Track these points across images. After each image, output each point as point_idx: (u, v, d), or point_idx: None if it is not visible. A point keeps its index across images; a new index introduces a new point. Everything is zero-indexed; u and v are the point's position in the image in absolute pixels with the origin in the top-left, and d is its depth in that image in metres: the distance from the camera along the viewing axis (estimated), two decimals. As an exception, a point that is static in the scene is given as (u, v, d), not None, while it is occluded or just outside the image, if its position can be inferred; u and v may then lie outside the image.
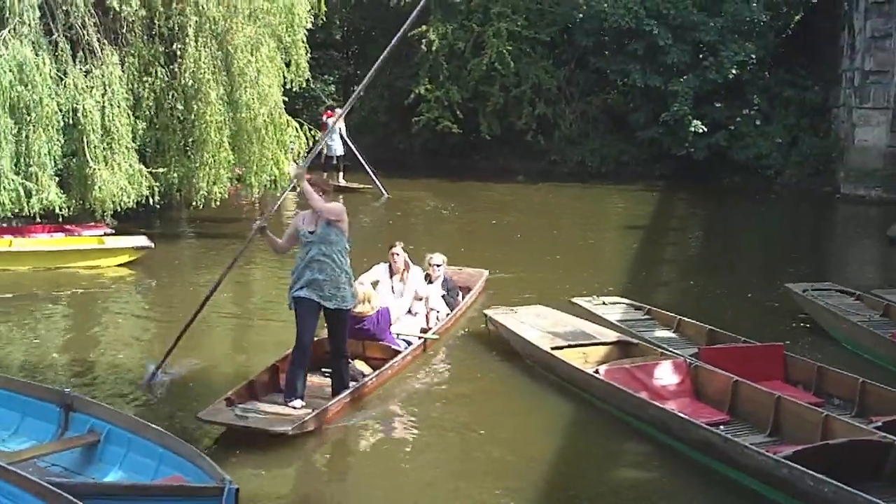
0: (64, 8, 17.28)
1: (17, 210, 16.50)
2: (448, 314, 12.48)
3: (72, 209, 17.34)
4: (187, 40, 18.03)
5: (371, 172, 26.18)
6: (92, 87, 17.17)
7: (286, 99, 20.40)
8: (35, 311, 13.74)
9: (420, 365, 11.21)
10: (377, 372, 10.18)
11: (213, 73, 18.19)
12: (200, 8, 17.96)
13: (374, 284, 11.75)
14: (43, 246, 16.63)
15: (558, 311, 12.47)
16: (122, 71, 17.74)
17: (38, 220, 17.22)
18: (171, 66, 18.44)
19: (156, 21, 18.12)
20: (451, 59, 32.38)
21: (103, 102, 17.17)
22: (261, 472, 8.19)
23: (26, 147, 16.34)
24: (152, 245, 16.60)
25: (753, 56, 30.60)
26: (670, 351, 10.76)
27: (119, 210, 17.44)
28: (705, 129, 30.13)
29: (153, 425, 7.64)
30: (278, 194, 20.23)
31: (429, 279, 12.69)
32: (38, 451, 7.65)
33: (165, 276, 16.18)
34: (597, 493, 8.31)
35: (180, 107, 18.47)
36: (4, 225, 17.54)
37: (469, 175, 30.48)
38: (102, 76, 17.31)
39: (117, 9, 17.43)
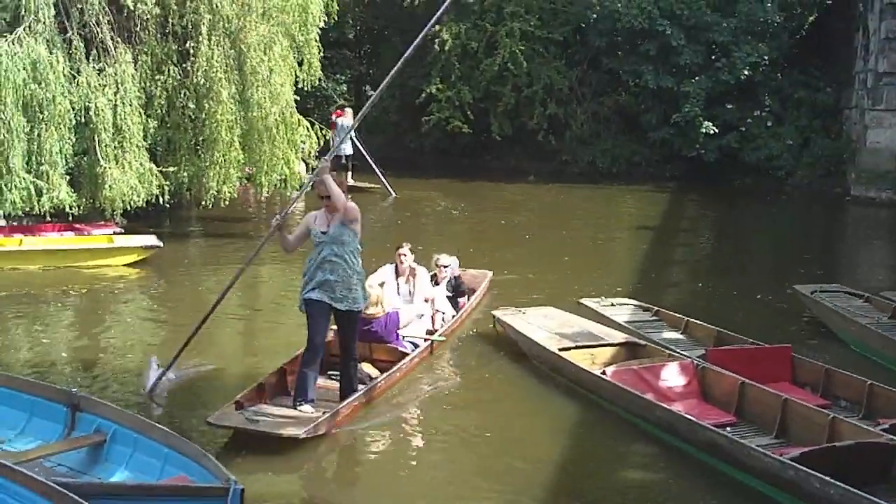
0: (79, 6, 17.34)
1: (27, 209, 16.53)
2: (454, 315, 12.44)
3: (82, 208, 17.38)
4: (200, 39, 18.06)
5: (379, 172, 26.20)
6: (105, 86, 17.21)
7: (298, 98, 20.42)
8: (44, 309, 13.79)
9: (427, 367, 11.19)
10: (385, 374, 10.10)
11: (225, 71, 18.21)
12: (214, 6, 17.99)
13: (381, 286, 11.71)
14: (53, 245, 16.66)
15: (566, 313, 12.46)
16: (135, 69, 17.78)
17: (48, 218, 17.27)
18: (184, 65, 18.47)
19: (169, 19, 18.18)
20: (463, 59, 32.41)
21: (115, 101, 17.20)
22: (268, 473, 8.17)
23: (38, 145, 16.36)
24: (161, 244, 16.62)
25: (766, 57, 30.57)
26: (678, 352, 10.74)
27: (129, 209, 17.47)
28: (716, 131, 30.12)
29: (159, 425, 7.66)
30: (290, 194, 20.36)
31: (434, 280, 12.66)
32: (45, 450, 7.64)
33: (174, 275, 16.18)
34: (604, 494, 8.30)
35: (192, 105, 18.50)
36: (15, 223, 17.58)
37: (480, 175, 30.50)
38: (115, 74, 17.35)
39: (131, 7, 17.49)
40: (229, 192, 18.92)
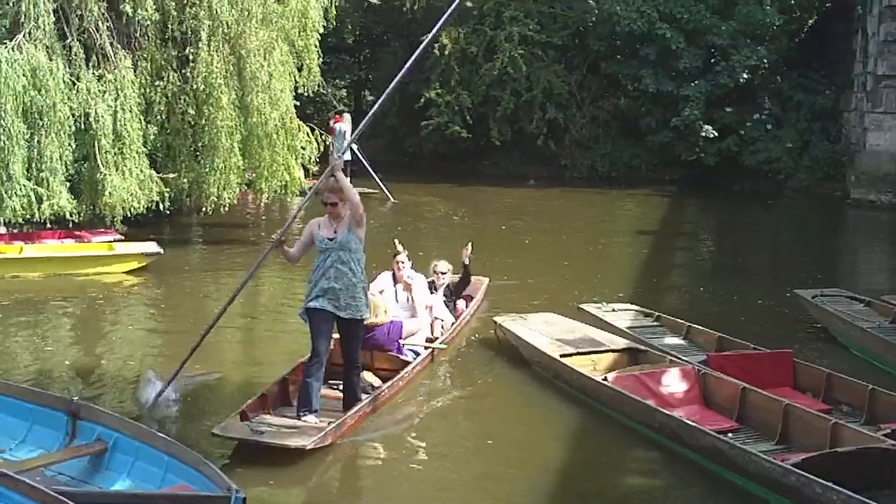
0: (78, 13, 17.31)
1: (27, 216, 16.50)
2: (453, 323, 12.39)
3: (82, 215, 17.34)
4: (200, 44, 18.03)
5: (377, 178, 26.21)
6: (104, 92, 17.16)
7: (297, 103, 20.43)
8: (44, 317, 13.75)
9: (428, 374, 11.17)
10: (389, 383, 10.02)
11: (225, 77, 18.19)
12: (214, 12, 17.96)
13: (380, 293, 11.65)
14: (53, 252, 16.66)
15: (567, 318, 12.45)
16: (135, 75, 17.73)
17: (49, 225, 17.26)
18: (184, 71, 18.45)
19: (169, 25, 18.12)
20: (462, 64, 32.46)
21: (115, 107, 17.15)
22: (269, 482, 8.13)
23: (38, 152, 16.31)
24: (162, 251, 16.62)
25: (765, 60, 30.60)
26: (679, 358, 10.73)
27: (129, 216, 17.45)
28: (716, 134, 30.16)
29: (160, 434, 7.65)
30: (290, 199, 20.38)
31: (432, 286, 12.60)
32: (46, 459, 7.63)
33: (175, 282, 16.16)
34: (605, 500, 8.30)
35: (192, 111, 18.44)
36: (15, 231, 17.57)
37: (479, 180, 30.55)
38: (115, 81, 17.30)
39: (131, 13, 17.46)
40: (229, 199, 18.91)
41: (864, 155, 28.32)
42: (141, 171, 17.52)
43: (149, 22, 17.75)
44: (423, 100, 32.20)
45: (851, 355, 12.10)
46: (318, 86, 21.67)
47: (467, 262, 13.28)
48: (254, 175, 19.44)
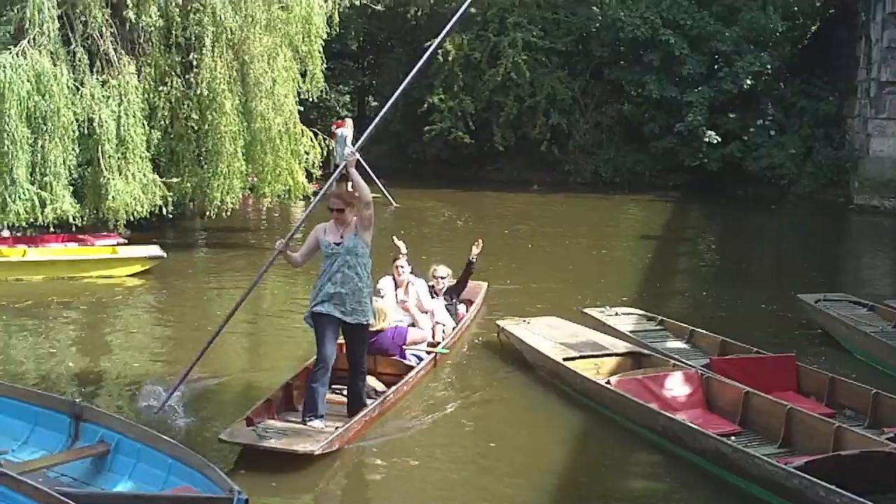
0: (82, 18, 17.36)
1: (31, 220, 16.52)
2: (454, 327, 12.36)
3: (85, 218, 17.41)
4: (204, 50, 18.09)
5: (378, 182, 26.21)
6: (108, 97, 17.22)
7: (301, 109, 20.47)
8: (47, 320, 13.76)
9: (431, 378, 11.14)
10: (394, 388, 9.98)
11: (228, 83, 18.25)
12: (218, 18, 18.00)
13: (381, 298, 11.61)
14: (56, 256, 16.68)
15: (571, 322, 12.45)
16: (139, 81, 17.79)
17: (52, 229, 17.29)
18: (187, 76, 18.49)
19: (173, 31, 18.18)
20: (466, 70, 32.48)
21: (119, 112, 17.20)
22: (272, 484, 8.11)
23: (42, 157, 16.34)
24: (165, 255, 16.63)
25: (769, 66, 30.55)
26: (682, 362, 10.72)
27: (132, 220, 17.49)
28: (719, 140, 30.14)
29: (163, 436, 7.64)
30: (294, 204, 20.39)
31: (433, 291, 12.55)
32: (48, 461, 7.64)
33: (178, 286, 16.17)
34: (609, 503, 8.30)
35: (195, 116, 18.51)
36: (19, 234, 17.60)
37: (483, 185, 30.56)
38: (119, 86, 17.36)
39: (134, 19, 17.49)
40: (232, 203, 18.93)
41: (867, 161, 28.30)
42: (144, 175, 17.57)
43: (153, 28, 17.82)
44: (426, 105, 32.20)
45: (854, 359, 12.08)
46: (322, 91, 21.69)
47: (474, 259, 13.24)
48: (256, 179, 19.47)
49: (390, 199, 25.89)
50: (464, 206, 26.49)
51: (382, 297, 11.46)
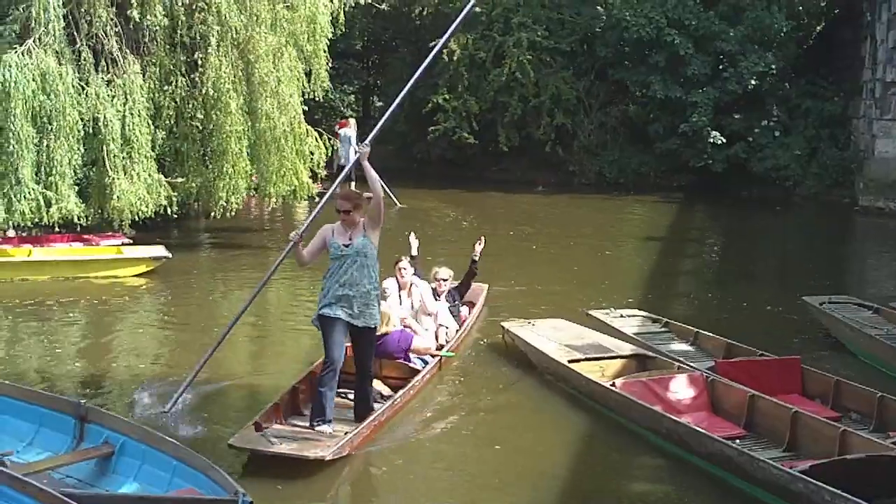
0: (88, 18, 17.34)
1: (36, 219, 16.52)
2: (457, 330, 12.28)
3: (90, 218, 17.43)
4: (209, 49, 18.10)
5: (382, 182, 26.17)
6: (113, 97, 17.22)
7: (306, 108, 20.47)
8: (53, 320, 13.78)
9: (437, 380, 11.12)
10: (401, 392, 9.94)
11: (233, 82, 18.26)
12: (223, 17, 18.00)
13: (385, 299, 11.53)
14: (61, 256, 16.68)
15: (575, 324, 12.45)
16: (144, 80, 17.79)
17: (57, 229, 17.31)
18: (192, 76, 18.51)
19: (178, 30, 18.19)
20: (471, 69, 32.44)
21: (124, 112, 17.20)
22: (286, 493, 8.08)
23: (47, 156, 16.34)
24: (170, 255, 16.62)
25: (773, 66, 30.46)
26: (687, 364, 10.72)
27: (137, 220, 17.51)
28: (724, 141, 30.11)
29: (168, 438, 7.64)
30: (298, 203, 20.36)
31: (435, 293, 12.48)
32: (53, 462, 7.65)
33: (183, 286, 16.18)
34: (612, 506, 8.32)
35: (200, 116, 18.52)
36: (24, 234, 17.61)
37: (487, 185, 30.53)
38: (124, 85, 17.36)
39: (139, 19, 17.48)
40: (236, 204, 18.94)
41: (872, 162, 28.27)
42: (149, 175, 17.57)
43: (158, 27, 17.81)
44: (430, 105, 32.17)
45: (860, 362, 12.08)
46: (327, 91, 21.69)
47: (477, 258, 13.22)
48: (257, 179, 19.45)
49: (394, 199, 25.88)
50: (468, 207, 26.47)
51: (387, 297, 11.39)
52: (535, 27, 32.09)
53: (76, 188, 16.97)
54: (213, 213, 19.28)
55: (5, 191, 15.91)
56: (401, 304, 11.80)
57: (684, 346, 12.05)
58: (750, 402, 9.45)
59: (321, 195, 11.30)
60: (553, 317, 12.91)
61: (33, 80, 16.07)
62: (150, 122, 17.79)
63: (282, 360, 12.11)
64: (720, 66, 30.95)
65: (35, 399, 8.49)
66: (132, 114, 17.26)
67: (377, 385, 10.11)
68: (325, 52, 20.47)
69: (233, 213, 19.26)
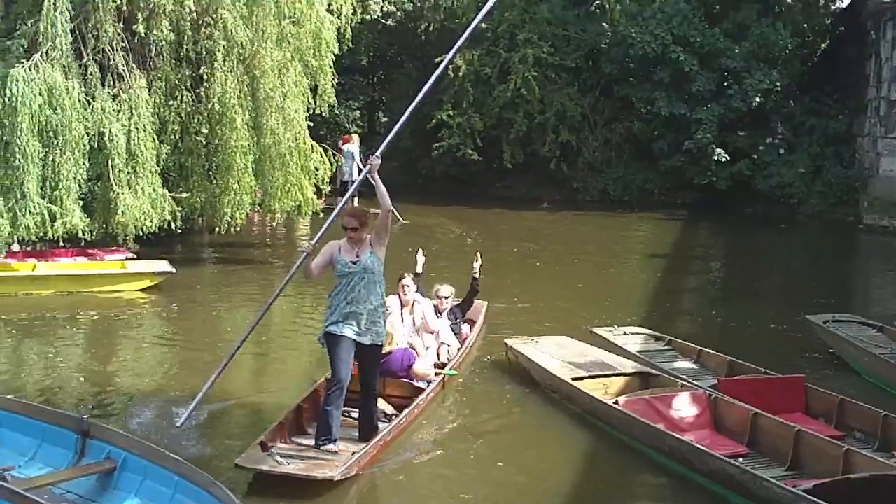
0: (94, 33, 17.37)
1: (41, 234, 16.52)
2: (459, 348, 12.24)
3: (95, 233, 17.42)
4: (215, 64, 18.13)
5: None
6: (119, 111, 17.23)
7: (311, 124, 20.50)
8: (56, 335, 13.78)
9: (441, 398, 11.08)
10: (406, 411, 9.87)
11: (239, 97, 18.28)
12: (229, 32, 18.03)
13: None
14: (66, 270, 16.68)
15: (579, 342, 12.44)
16: (149, 95, 17.81)
17: (62, 243, 17.32)
18: (198, 91, 18.55)
19: (184, 45, 18.17)
20: (476, 85, 32.50)
21: (129, 126, 17.21)
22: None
23: (53, 171, 16.34)
24: (174, 270, 16.65)
25: (778, 84, 30.53)
26: (690, 382, 10.70)
27: (141, 234, 17.50)
28: (728, 158, 30.15)
29: (170, 454, 7.62)
30: (304, 219, 20.35)
31: (437, 311, 12.43)
32: (54, 477, 7.62)
33: (187, 301, 16.18)
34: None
35: (205, 131, 18.57)
36: (28, 248, 17.63)
37: (492, 202, 30.58)
38: (129, 100, 17.37)
39: (145, 34, 17.52)
40: (241, 219, 18.95)
41: (877, 180, 28.29)
42: (154, 190, 17.58)
43: (164, 42, 17.82)
44: (434, 121, 32.21)
45: (863, 381, 12.05)
46: (332, 107, 21.72)
47: (477, 275, 13.22)
48: (261, 194, 19.45)
49: (397, 215, 25.88)
50: (472, 223, 26.49)
51: (388, 315, 11.34)
52: (540, 43, 32.18)
53: (81, 202, 16.99)
54: (217, 229, 19.29)
55: (10, 205, 15.92)
56: (403, 321, 11.72)
57: (687, 364, 12.03)
58: (753, 421, 9.43)
59: (325, 211, 11.26)
60: (557, 334, 12.90)
61: (40, 94, 16.10)
62: (156, 136, 17.79)
63: (284, 377, 12.07)
64: (725, 83, 31.03)
65: (37, 414, 8.46)
66: (137, 128, 17.27)
67: (381, 404, 10.03)
68: (330, 67, 20.51)
69: (237, 229, 19.24)
